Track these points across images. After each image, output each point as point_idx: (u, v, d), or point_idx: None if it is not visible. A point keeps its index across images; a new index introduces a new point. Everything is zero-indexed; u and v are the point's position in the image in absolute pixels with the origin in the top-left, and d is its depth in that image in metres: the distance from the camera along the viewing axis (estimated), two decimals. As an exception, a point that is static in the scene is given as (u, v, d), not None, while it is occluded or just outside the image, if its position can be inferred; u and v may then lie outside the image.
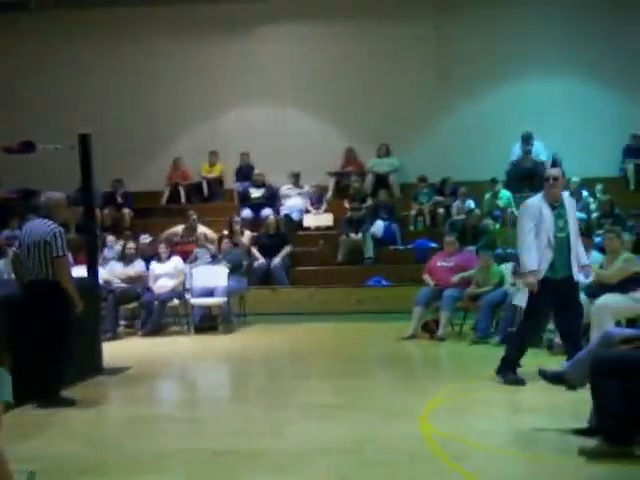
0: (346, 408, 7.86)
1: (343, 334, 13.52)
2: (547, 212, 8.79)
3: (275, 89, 19.32)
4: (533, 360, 9.35)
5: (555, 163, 15.87)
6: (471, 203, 17.03)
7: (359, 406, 7.96)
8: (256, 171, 18.76)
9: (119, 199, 18.70)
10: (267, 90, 19.32)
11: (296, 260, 16.92)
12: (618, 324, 9.80)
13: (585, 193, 16.91)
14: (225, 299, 13.97)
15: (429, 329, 12.34)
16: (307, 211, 18.23)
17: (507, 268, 12.59)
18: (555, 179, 8.95)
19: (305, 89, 19.25)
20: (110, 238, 16.24)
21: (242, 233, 16.21)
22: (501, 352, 9.04)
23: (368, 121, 18.77)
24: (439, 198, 17.71)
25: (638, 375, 5.86)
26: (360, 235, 16.65)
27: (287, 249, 16.58)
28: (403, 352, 11.50)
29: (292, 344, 12.63)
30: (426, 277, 12.83)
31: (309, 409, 7.94)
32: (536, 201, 8.92)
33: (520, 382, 8.56)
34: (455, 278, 12.48)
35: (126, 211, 18.52)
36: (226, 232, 15.95)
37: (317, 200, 18.40)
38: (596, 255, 11.10)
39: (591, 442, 6.00)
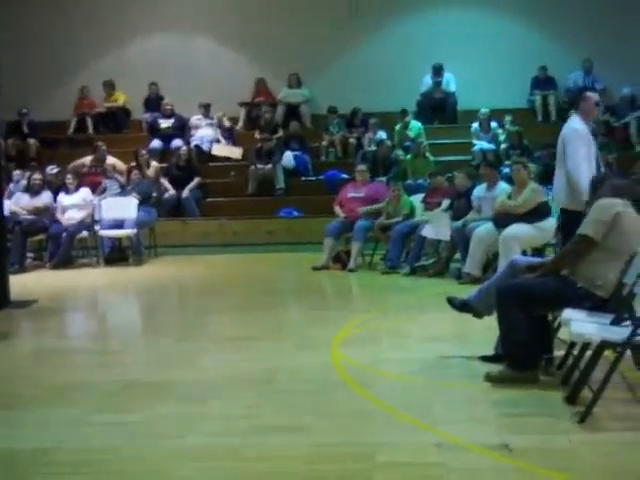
0: (257, 339, 7.88)
1: (254, 265, 13.54)
2: (592, 138, 8.56)
3: (184, 17, 18.98)
4: (442, 289, 9.51)
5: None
6: (382, 134, 17.05)
7: (270, 337, 8.00)
8: (165, 101, 18.47)
9: (25, 129, 18.25)
10: (176, 19, 18.98)
11: (207, 191, 16.79)
12: (524, 253, 9.98)
13: (494, 124, 17.07)
14: (135, 231, 13.82)
15: (340, 260, 12.42)
16: (217, 141, 18.04)
17: (417, 199, 12.71)
18: (597, 104, 8.76)
19: (215, 17, 18.93)
20: (17, 172, 15.88)
21: (149, 165, 15.95)
22: (410, 282, 9.14)
23: (279, 51, 18.58)
24: (349, 132, 17.68)
25: (542, 302, 5.98)
26: (271, 166, 16.57)
27: (197, 180, 16.45)
28: (314, 283, 11.56)
29: (203, 276, 12.60)
30: (337, 208, 12.87)
31: (220, 340, 7.94)
32: (583, 126, 8.52)
33: None
34: (362, 210, 12.53)
35: (32, 141, 18.08)
36: (134, 163, 15.71)
37: (227, 131, 18.22)
38: (503, 186, 11.25)
39: (497, 368, 6.13)
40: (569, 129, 8.56)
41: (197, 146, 17.67)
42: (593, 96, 8.75)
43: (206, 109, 18.29)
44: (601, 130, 16.55)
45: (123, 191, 14.67)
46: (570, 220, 7.99)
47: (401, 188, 12.81)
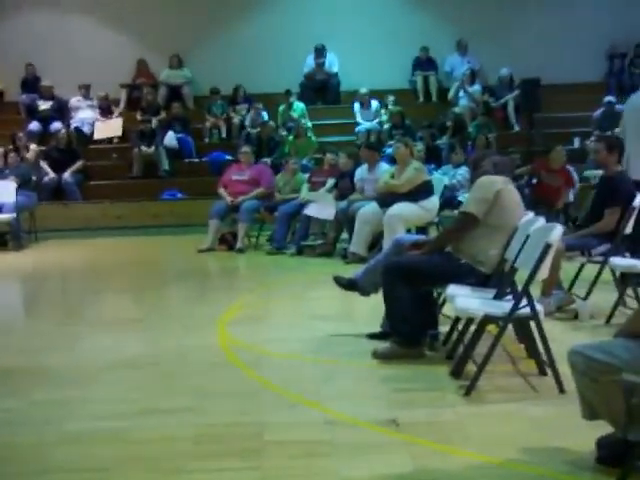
0: (143, 322, 7.79)
1: (139, 249, 13.36)
2: None
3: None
4: (329, 269, 9.55)
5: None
6: (265, 115, 17.01)
7: (156, 319, 7.90)
8: (43, 83, 18.00)
9: None
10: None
11: (89, 174, 16.47)
12: (409, 232, 10.10)
13: (375, 104, 17.20)
14: (14, 215, 13.46)
15: (226, 241, 12.36)
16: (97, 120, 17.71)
17: (303, 178, 12.75)
18: None
19: (93, -4, 18.55)
20: None
21: (27, 148, 15.53)
22: (297, 262, 9.15)
23: (160, 32, 18.32)
24: (232, 110, 17.58)
25: (426, 279, 6.06)
26: (154, 148, 16.35)
27: (79, 163, 16.11)
28: (200, 265, 11.48)
29: (86, 260, 12.37)
30: (221, 190, 12.78)
31: (103, 323, 7.82)
32: None
33: None
34: (251, 195, 12.44)
35: None
36: (11, 147, 15.27)
37: (107, 109, 17.89)
38: (385, 166, 11.35)
39: (384, 345, 6.20)
40: None
41: (77, 128, 17.30)
42: None
43: (86, 90, 17.91)
44: (480, 110, 16.88)
45: (1, 174, 14.26)
46: None
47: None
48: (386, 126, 16.62)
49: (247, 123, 17.15)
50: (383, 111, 17.16)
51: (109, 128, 17.61)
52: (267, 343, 6.74)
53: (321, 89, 18.23)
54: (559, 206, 12.20)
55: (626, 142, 8.66)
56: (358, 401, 5.26)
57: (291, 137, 16.15)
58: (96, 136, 17.51)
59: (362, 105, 17.20)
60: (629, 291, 7.32)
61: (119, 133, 17.50)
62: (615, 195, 7.33)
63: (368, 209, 10.64)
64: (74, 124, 17.42)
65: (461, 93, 17.32)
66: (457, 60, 18.25)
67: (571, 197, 12.81)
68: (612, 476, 3.91)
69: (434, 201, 10.40)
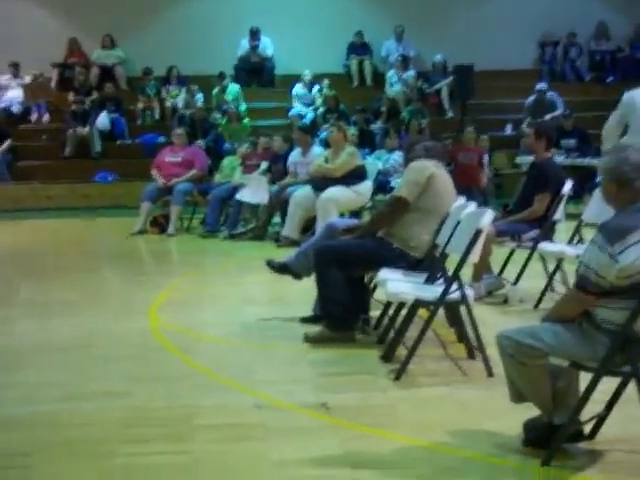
0: (73, 305, 7.68)
1: (69, 231, 13.19)
2: None
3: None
4: (261, 252, 9.53)
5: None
6: (200, 97, 16.89)
7: (86, 302, 7.80)
8: (-30, 62, 17.64)
9: None
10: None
11: (19, 155, 16.20)
12: (342, 216, 10.12)
13: (317, 88, 17.18)
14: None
15: (158, 224, 12.24)
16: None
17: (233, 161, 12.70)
18: None
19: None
20: None
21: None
22: (229, 246, 9.12)
23: (92, 10, 18.02)
24: (166, 93, 17.41)
25: (359, 263, 6.09)
26: (87, 129, 16.12)
27: (8, 143, 15.85)
28: (132, 248, 11.37)
29: (15, 242, 12.16)
30: (154, 172, 12.65)
31: (33, 306, 7.70)
32: None
33: None
34: (184, 177, 12.33)
35: None
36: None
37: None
38: (318, 150, 11.35)
39: (315, 329, 6.21)
40: None
41: (6, 108, 17.00)
42: None
43: (15, 69, 17.58)
44: (414, 96, 16.97)
45: None
46: None
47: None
48: (320, 110, 16.61)
49: (180, 105, 17.00)
50: (317, 95, 17.15)
51: (40, 90, 17.25)
52: (199, 327, 6.71)
53: (255, 72, 18.15)
54: (482, 185, 12.57)
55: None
56: (289, 385, 5.26)
57: (224, 120, 16.06)
58: (28, 102, 17.12)
59: (304, 88, 17.17)
60: (557, 276, 7.43)
61: (52, 94, 17.13)
62: (544, 181, 7.42)
63: (301, 193, 10.63)
64: (2, 103, 17.11)
65: (395, 79, 17.37)
66: (393, 45, 18.30)
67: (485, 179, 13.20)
68: (538, 458, 3.98)
69: (367, 185, 10.43)
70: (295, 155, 11.52)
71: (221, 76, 16.99)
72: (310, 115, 16.57)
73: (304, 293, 6.95)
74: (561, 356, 3.92)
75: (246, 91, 17.47)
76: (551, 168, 7.54)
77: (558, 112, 15.93)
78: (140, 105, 17.27)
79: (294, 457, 4.12)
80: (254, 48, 17.99)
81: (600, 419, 4.23)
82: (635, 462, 3.98)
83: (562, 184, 7.40)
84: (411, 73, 17.47)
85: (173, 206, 12.13)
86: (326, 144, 11.60)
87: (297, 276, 6.78)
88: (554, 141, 7.80)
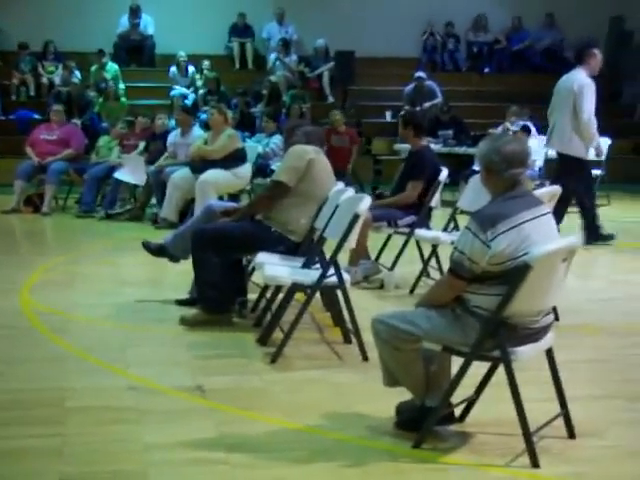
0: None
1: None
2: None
3: None
4: (138, 234, 9.41)
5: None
6: (77, 74, 16.52)
7: (-45, 282, 7.58)
8: None
9: None
10: None
11: None
12: (221, 199, 10.06)
13: (192, 69, 17.02)
14: None
15: (32, 203, 11.95)
16: None
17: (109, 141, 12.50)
18: None
19: None
20: None
21: None
22: (106, 226, 8.97)
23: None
24: (42, 69, 16.99)
25: (237, 246, 6.07)
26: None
27: None
28: (5, 226, 11.07)
29: None
30: (29, 150, 12.32)
31: None
32: (590, 80, 9.36)
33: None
34: (59, 156, 12.06)
35: None
36: None
37: None
38: (198, 131, 11.26)
39: (192, 311, 6.19)
40: (582, 82, 9.28)
41: None
42: (598, 54, 9.51)
43: None
44: (296, 80, 16.99)
45: None
46: (569, 164, 9.42)
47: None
48: (201, 92, 16.47)
49: (58, 81, 16.60)
50: (198, 76, 16.99)
51: None
52: (72, 308, 6.59)
53: (135, 51, 17.86)
54: (349, 171, 12.82)
55: (551, 116, 9.74)
56: (164, 367, 5.23)
57: (101, 99, 15.76)
58: None
59: (179, 69, 16.98)
60: (432, 262, 7.56)
61: None
62: (418, 169, 7.55)
63: (180, 175, 10.52)
64: None
65: (277, 62, 17.35)
66: (275, 28, 18.25)
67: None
68: (410, 440, 4.05)
69: (247, 168, 10.39)
70: (174, 136, 11.39)
71: (100, 53, 16.64)
72: (192, 97, 16.41)
73: (181, 275, 6.92)
74: (434, 340, 3.99)
75: (125, 70, 17.18)
76: (426, 156, 7.66)
77: (437, 100, 16.17)
78: (15, 80, 16.78)
79: (168, 440, 4.09)
80: (135, 26, 17.69)
81: (470, 402, 4.35)
82: (503, 444, 4.09)
83: (438, 172, 7.53)
84: (293, 57, 17.47)
85: (48, 185, 11.85)
86: (206, 126, 11.51)
87: (174, 258, 6.72)
88: (424, 129, 7.86)
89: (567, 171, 9.35)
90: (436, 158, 7.83)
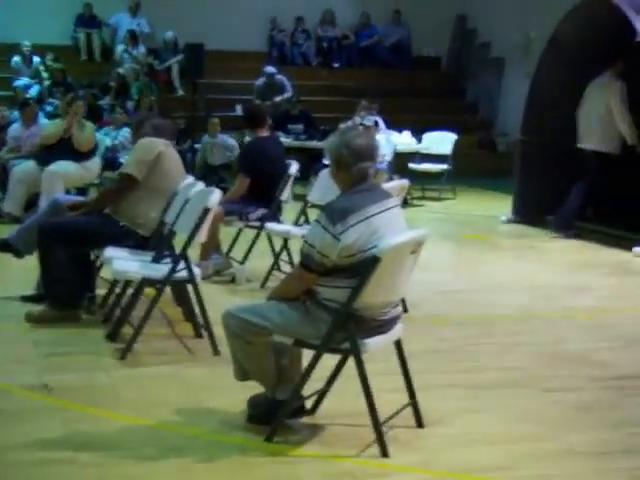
0: None
1: None
2: None
3: None
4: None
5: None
6: None
7: None
8: None
9: None
10: None
11: None
12: (68, 193, 9.82)
13: (37, 60, 16.55)
14: None
15: None
16: None
17: None
18: None
19: None
20: None
21: None
22: None
23: None
24: None
25: (84, 241, 5.94)
26: None
27: None
28: None
29: None
30: None
31: None
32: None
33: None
34: None
35: None
36: None
37: None
38: (43, 122, 10.97)
39: (38, 308, 6.03)
40: (615, 84, 9.89)
41: None
42: None
43: None
44: (144, 72, 16.76)
45: None
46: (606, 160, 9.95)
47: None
48: (47, 83, 16.03)
49: None
50: (42, 67, 16.52)
51: None
52: None
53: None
54: None
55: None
56: (9, 365, 5.10)
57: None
58: None
59: (23, 60, 16.47)
60: (284, 256, 7.59)
61: None
62: (243, 161, 7.71)
63: (23, 167, 10.20)
64: None
65: (125, 54, 17.07)
66: (125, 19, 17.92)
67: None
68: (262, 434, 4.06)
69: (96, 162, 10.21)
70: (16, 129, 11.06)
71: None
72: (36, 88, 15.95)
73: (26, 270, 6.71)
74: (286, 334, 4.01)
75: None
76: (253, 149, 7.73)
77: (287, 95, 16.24)
78: None
79: (13, 441, 3.98)
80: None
81: (321, 394, 4.39)
82: (353, 435, 4.15)
83: (276, 164, 7.54)
84: (141, 49, 17.22)
85: None
86: (53, 117, 11.22)
87: (19, 254, 6.54)
88: (259, 121, 7.86)
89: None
90: (276, 150, 7.81)
